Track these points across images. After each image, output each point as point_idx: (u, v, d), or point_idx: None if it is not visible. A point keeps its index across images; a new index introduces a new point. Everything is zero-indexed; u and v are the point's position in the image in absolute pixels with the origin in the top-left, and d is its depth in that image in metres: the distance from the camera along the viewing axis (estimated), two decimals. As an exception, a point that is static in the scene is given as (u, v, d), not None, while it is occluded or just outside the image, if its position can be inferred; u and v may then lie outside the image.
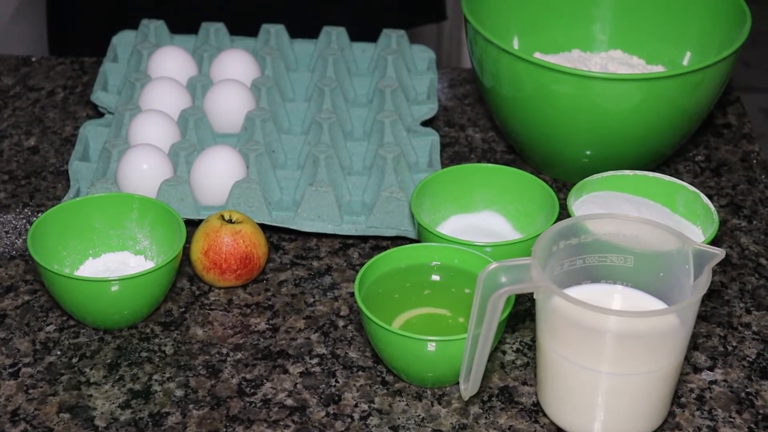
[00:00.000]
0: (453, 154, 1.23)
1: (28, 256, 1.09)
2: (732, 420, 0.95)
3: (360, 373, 0.98)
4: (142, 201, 1.05)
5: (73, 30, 1.53)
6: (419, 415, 0.94)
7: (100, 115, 1.27)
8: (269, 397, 0.96)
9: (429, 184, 1.07)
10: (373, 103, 1.22)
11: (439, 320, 1.00)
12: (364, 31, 1.37)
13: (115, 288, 0.97)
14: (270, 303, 1.05)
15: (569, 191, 1.06)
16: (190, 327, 1.02)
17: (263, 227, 1.11)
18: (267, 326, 1.02)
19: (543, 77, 1.09)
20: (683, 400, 0.96)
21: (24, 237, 1.11)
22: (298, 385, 0.97)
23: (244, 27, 1.36)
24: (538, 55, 1.24)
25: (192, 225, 1.11)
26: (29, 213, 1.14)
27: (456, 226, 1.09)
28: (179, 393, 0.96)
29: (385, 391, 0.96)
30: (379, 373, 0.98)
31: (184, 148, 1.13)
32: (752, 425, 0.94)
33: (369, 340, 0.98)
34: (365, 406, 0.95)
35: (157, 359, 0.99)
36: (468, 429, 0.93)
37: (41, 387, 0.96)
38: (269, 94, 1.21)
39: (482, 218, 1.09)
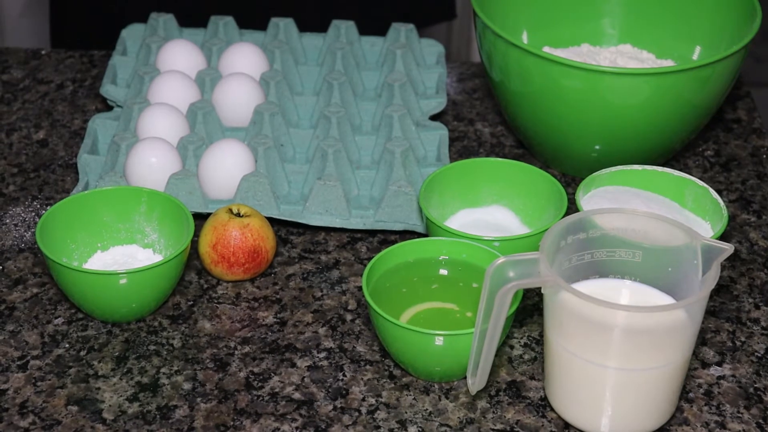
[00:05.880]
0: (462, 148, 1.23)
1: (36, 248, 1.09)
2: (740, 415, 0.94)
3: (367, 367, 0.98)
4: (150, 194, 1.05)
5: (77, 24, 1.53)
6: (426, 410, 0.94)
7: (109, 108, 1.27)
8: (277, 390, 0.96)
9: (437, 179, 1.07)
10: (381, 97, 1.22)
11: (446, 315, 1.00)
12: (373, 25, 1.37)
13: (123, 281, 0.97)
14: (278, 297, 1.05)
15: (578, 186, 1.06)
16: (198, 320, 1.02)
17: (271, 221, 1.11)
18: (275, 320, 1.02)
19: (552, 71, 1.09)
20: (691, 395, 0.96)
21: (33, 230, 1.11)
22: (305, 379, 0.97)
23: (252, 21, 1.36)
24: (547, 50, 1.24)
25: (200, 218, 1.11)
26: (38, 206, 1.14)
27: (464, 220, 1.09)
28: (187, 386, 0.96)
29: (393, 385, 0.96)
30: (386, 368, 0.98)
31: (192, 142, 1.13)
32: (760, 420, 0.94)
33: (377, 334, 0.98)
34: (373, 400, 0.95)
35: (165, 352, 0.99)
36: (475, 423, 0.93)
37: (49, 379, 0.96)
38: (278, 87, 1.21)
39: (490, 213, 1.09)
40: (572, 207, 1.07)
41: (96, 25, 1.50)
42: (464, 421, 0.93)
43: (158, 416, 0.93)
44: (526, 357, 0.99)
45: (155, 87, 1.20)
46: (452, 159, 1.21)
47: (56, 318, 1.02)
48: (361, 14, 1.41)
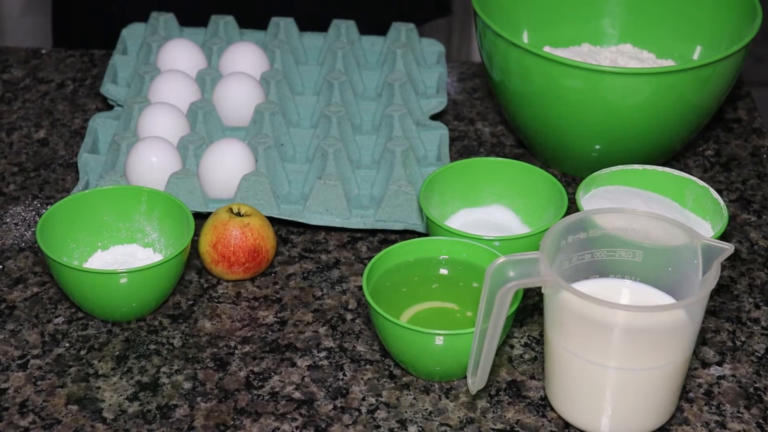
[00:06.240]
0: (462, 148, 1.23)
1: (37, 248, 1.09)
2: (740, 415, 0.94)
3: (368, 366, 0.98)
4: (150, 194, 1.05)
5: (77, 24, 1.53)
6: (427, 409, 0.94)
7: (110, 107, 1.27)
8: (277, 390, 0.96)
9: (437, 178, 1.07)
10: (382, 96, 1.22)
11: (447, 314, 1.00)
12: (373, 25, 1.37)
13: (123, 280, 0.97)
14: (278, 296, 1.05)
15: (578, 186, 1.06)
16: (198, 320, 1.02)
17: (272, 220, 1.11)
18: (275, 319, 1.02)
19: (552, 71, 1.09)
20: (691, 395, 0.96)
21: (33, 229, 1.11)
22: (305, 379, 0.97)
23: (253, 20, 1.36)
24: (547, 49, 1.24)
25: (200, 218, 1.11)
26: (38, 205, 1.14)
27: (464, 220, 1.09)
28: (187, 385, 0.96)
29: (393, 384, 0.96)
30: (386, 367, 0.98)
31: (192, 141, 1.13)
32: (760, 420, 0.94)
33: (377, 334, 0.98)
34: (373, 400, 0.95)
35: (165, 352, 0.99)
36: (475, 423, 0.93)
37: (50, 379, 0.96)
38: (278, 87, 1.21)
39: (491, 212, 1.09)
40: (572, 207, 1.07)
41: (96, 25, 1.50)
42: (464, 420, 0.93)
43: (158, 415, 0.93)
44: (527, 357, 0.99)
45: (156, 86, 1.20)
46: (452, 158, 1.20)
47: (56, 317, 1.02)
48: (359, 12, 1.40)
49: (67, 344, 1.00)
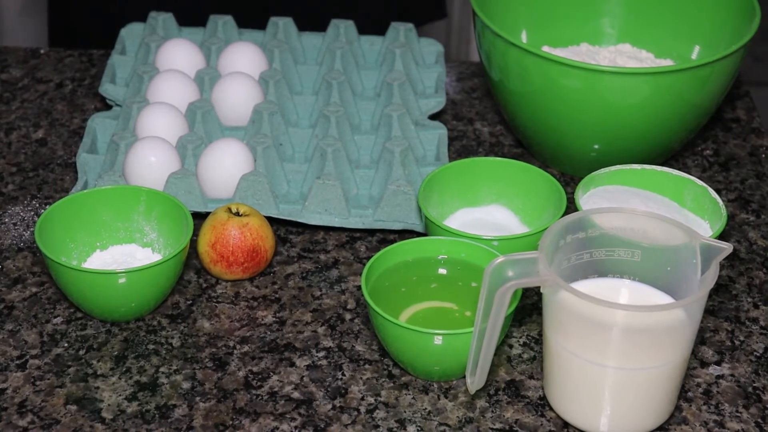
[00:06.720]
0: (461, 147, 1.23)
1: (35, 248, 1.09)
2: (739, 415, 0.94)
3: (366, 366, 0.98)
4: (149, 193, 1.05)
5: (76, 24, 1.53)
6: (426, 409, 0.94)
7: (108, 107, 1.27)
8: (276, 390, 0.96)
9: (436, 178, 1.07)
10: (380, 96, 1.22)
11: (445, 314, 1.00)
12: (372, 25, 1.37)
13: (122, 280, 0.97)
14: (277, 296, 1.05)
15: (577, 185, 1.06)
16: (197, 320, 1.02)
17: (270, 220, 1.11)
18: (274, 319, 1.02)
19: (551, 71, 1.09)
20: (690, 394, 0.96)
21: (32, 229, 1.11)
22: (304, 378, 0.97)
23: (252, 20, 1.36)
24: (546, 49, 1.24)
25: (199, 218, 1.11)
26: (37, 205, 1.14)
27: (463, 219, 1.09)
28: (186, 385, 0.96)
29: (392, 384, 0.96)
30: (385, 367, 0.98)
31: (191, 141, 1.13)
32: (759, 420, 0.94)
33: (376, 334, 0.98)
34: (372, 400, 0.95)
35: (164, 352, 0.99)
36: (474, 422, 0.93)
37: (48, 379, 0.96)
38: (277, 87, 1.21)
39: (489, 212, 1.09)
40: (571, 206, 1.07)
41: (95, 25, 1.50)
42: (463, 420, 0.93)
43: (157, 415, 0.93)
44: (525, 356, 0.99)
45: (154, 86, 1.20)
46: (451, 158, 1.21)
47: (55, 317, 1.02)
48: (358, 12, 1.41)
49: (66, 344, 0.99)
